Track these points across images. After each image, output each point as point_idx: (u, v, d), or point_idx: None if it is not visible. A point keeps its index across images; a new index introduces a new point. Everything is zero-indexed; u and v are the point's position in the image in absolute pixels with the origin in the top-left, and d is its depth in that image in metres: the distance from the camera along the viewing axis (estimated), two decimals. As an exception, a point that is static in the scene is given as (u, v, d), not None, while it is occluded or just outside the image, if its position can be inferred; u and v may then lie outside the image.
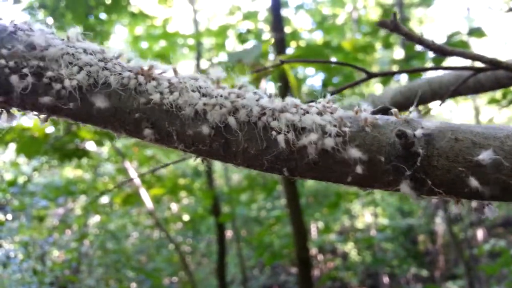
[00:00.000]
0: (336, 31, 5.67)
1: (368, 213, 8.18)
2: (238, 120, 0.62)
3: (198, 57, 6.29)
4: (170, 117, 0.62)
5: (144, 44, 5.91)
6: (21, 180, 5.68)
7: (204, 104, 0.62)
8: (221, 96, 0.63)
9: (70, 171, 6.40)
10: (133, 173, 4.52)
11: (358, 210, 8.13)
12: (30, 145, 2.38)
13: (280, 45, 4.99)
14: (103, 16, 4.58)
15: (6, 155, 6.35)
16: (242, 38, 5.91)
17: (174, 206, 7.10)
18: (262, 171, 0.64)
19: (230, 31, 6.20)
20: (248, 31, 5.91)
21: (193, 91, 0.62)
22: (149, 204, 4.57)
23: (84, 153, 3.03)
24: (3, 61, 0.56)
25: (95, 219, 6.13)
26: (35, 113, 0.61)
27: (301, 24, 6.80)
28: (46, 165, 5.59)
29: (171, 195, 5.25)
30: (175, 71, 0.64)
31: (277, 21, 5.18)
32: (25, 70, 0.57)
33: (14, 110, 0.62)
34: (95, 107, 0.60)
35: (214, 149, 0.63)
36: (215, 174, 6.31)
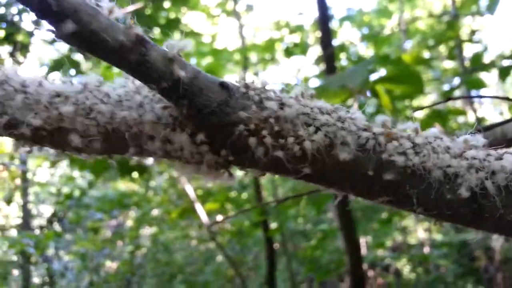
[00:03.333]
0: (386, 42, 5.56)
1: (421, 228, 7.88)
2: (495, 184, 0.58)
3: (245, 71, 6.35)
4: (412, 179, 0.59)
5: (192, 60, 6.06)
6: (76, 193, 5.92)
7: (457, 167, 0.58)
8: (474, 158, 0.59)
9: (122, 184, 6.60)
10: (188, 188, 4.60)
11: (411, 225, 7.85)
12: (99, 164, 2.46)
13: (330, 60, 4.94)
14: (156, 35, 4.73)
15: (61, 169, 6.65)
16: (288, 52, 5.92)
17: (220, 218, 7.14)
18: None
19: (276, 44, 6.23)
20: (295, 44, 5.92)
21: (441, 152, 0.59)
22: (204, 218, 4.63)
23: (144, 169, 3.11)
24: (242, 126, 0.55)
25: (147, 231, 6.28)
26: (256, 170, 0.60)
27: (346, 35, 6.72)
28: (100, 179, 5.80)
29: (222, 208, 5.29)
30: (416, 130, 0.61)
31: (325, 35, 5.15)
32: (264, 132, 0.56)
33: (233, 169, 0.61)
34: (328, 167, 0.58)
35: (461, 214, 0.60)
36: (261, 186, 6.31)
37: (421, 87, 2.08)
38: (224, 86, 0.56)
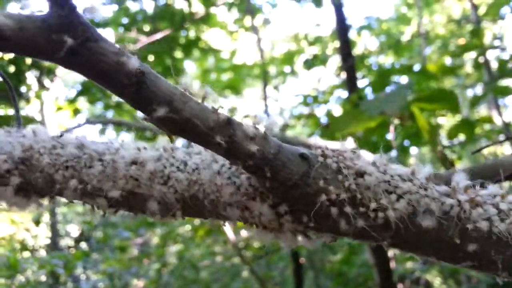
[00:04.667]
0: (407, 49, 5.50)
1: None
2: None
3: (265, 85, 6.37)
4: (497, 245, 0.58)
5: (212, 76, 6.10)
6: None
7: None
8: None
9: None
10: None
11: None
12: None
13: (350, 71, 4.91)
14: (178, 54, 4.79)
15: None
16: (308, 64, 5.92)
17: (244, 233, 7.12)
18: None
19: (295, 57, 6.23)
20: (314, 56, 5.91)
21: None
22: (231, 235, 4.63)
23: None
24: (323, 196, 0.55)
25: (173, 248, 6.30)
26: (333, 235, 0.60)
27: (364, 44, 6.68)
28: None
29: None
30: (502, 195, 0.60)
31: (345, 46, 5.13)
32: (345, 202, 0.55)
33: (310, 234, 0.61)
34: (411, 234, 0.56)
35: None
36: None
37: (457, 105, 2.04)
38: (304, 157, 0.55)
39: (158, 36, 3.08)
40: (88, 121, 2.31)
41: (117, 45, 0.44)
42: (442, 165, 1.72)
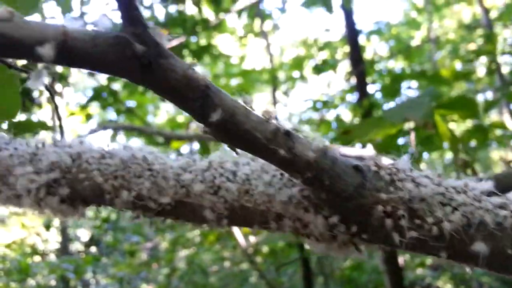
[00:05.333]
0: (418, 54, 5.50)
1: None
2: None
3: (274, 90, 6.38)
4: None
5: (221, 81, 6.12)
6: (113, 216, 6.00)
7: None
8: None
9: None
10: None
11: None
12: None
13: (361, 76, 4.90)
14: (188, 60, 4.81)
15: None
16: (318, 69, 5.92)
17: (253, 239, 7.10)
18: None
19: (304, 62, 6.24)
20: (324, 61, 5.92)
21: None
22: (241, 240, 4.63)
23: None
24: (378, 207, 0.55)
25: (183, 253, 6.30)
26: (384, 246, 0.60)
27: (373, 49, 6.68)
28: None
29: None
30: None
31: (355, 52, 5.13)
32: (400, 213, 0.55)
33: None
34: (470, 250, 0.57)
35: None
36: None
37: (477, 112, 2.04)
38: (358, 169, 0.55)
39: (174, 42, 3.11)
40: (104, 127, 2.32)
41: (185, 61, 0.44)
42: (463, 172, 1.71)
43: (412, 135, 1.68)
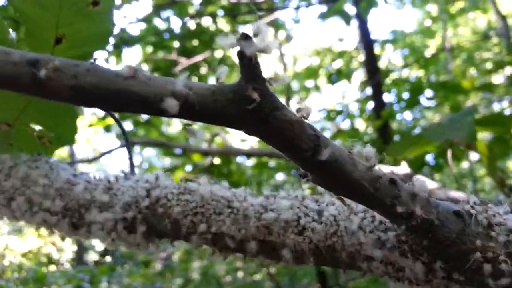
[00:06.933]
0: (433, 63, 5.47)
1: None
2: None
3: (288, 100, 6.37)
4: None
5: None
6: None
7: None
8: None
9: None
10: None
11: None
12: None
13: (377, 87, 4.88)
14: (203, 71, 4.83)
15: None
16: (332, 79, 5.91)
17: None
18: None
19: (318, 71, 6.24)
20: (338, 71, 5.91)
21: None
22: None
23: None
24: (478, 253, 0.53)
25: (197, 264, 6.29)
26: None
27: (388, 58, 6.66)
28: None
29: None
30: None
31: (370, 61, 5.12)
32: (501, 258, 0.53)
33: None
34: None
35: None
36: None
37: (510, 129, 2.02)
38: (459, 215, 0.54)
39: (199, 58, 3.13)
40: (132, 142, 2.32)
41: (296, 113, 0.44)
42: (501, 191, 1.69)
43: (449, 153, 1.66)
